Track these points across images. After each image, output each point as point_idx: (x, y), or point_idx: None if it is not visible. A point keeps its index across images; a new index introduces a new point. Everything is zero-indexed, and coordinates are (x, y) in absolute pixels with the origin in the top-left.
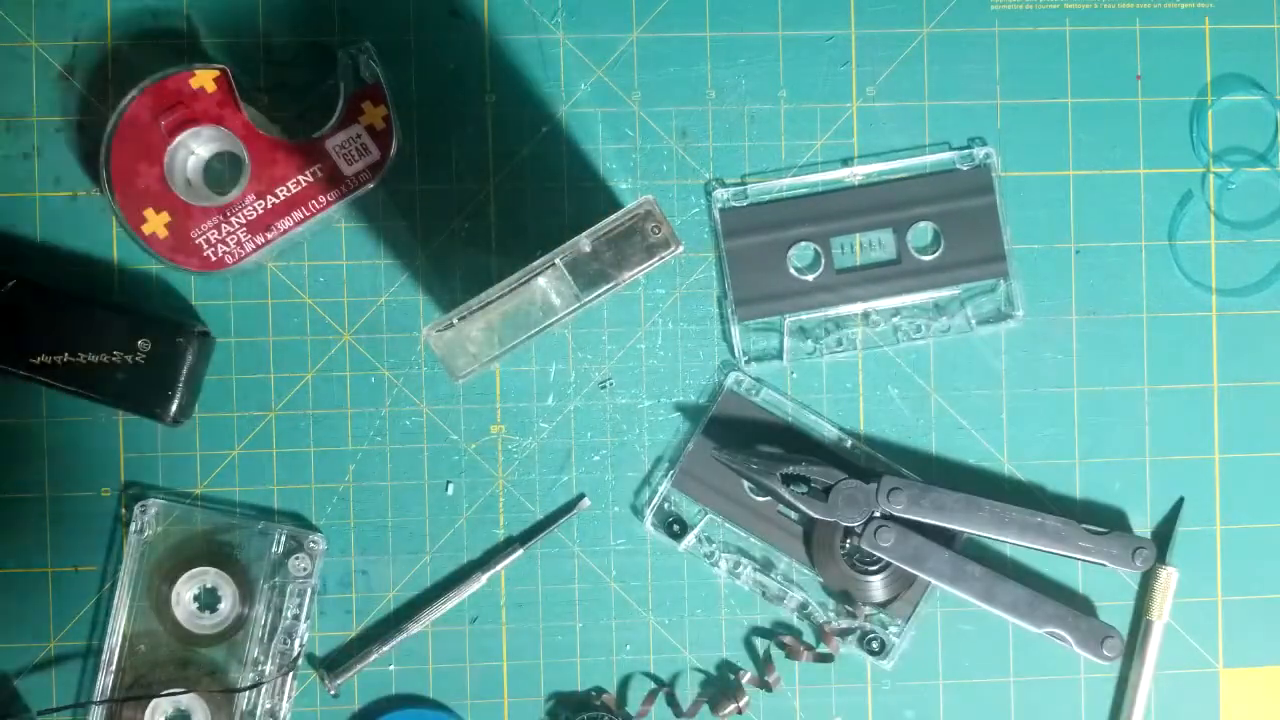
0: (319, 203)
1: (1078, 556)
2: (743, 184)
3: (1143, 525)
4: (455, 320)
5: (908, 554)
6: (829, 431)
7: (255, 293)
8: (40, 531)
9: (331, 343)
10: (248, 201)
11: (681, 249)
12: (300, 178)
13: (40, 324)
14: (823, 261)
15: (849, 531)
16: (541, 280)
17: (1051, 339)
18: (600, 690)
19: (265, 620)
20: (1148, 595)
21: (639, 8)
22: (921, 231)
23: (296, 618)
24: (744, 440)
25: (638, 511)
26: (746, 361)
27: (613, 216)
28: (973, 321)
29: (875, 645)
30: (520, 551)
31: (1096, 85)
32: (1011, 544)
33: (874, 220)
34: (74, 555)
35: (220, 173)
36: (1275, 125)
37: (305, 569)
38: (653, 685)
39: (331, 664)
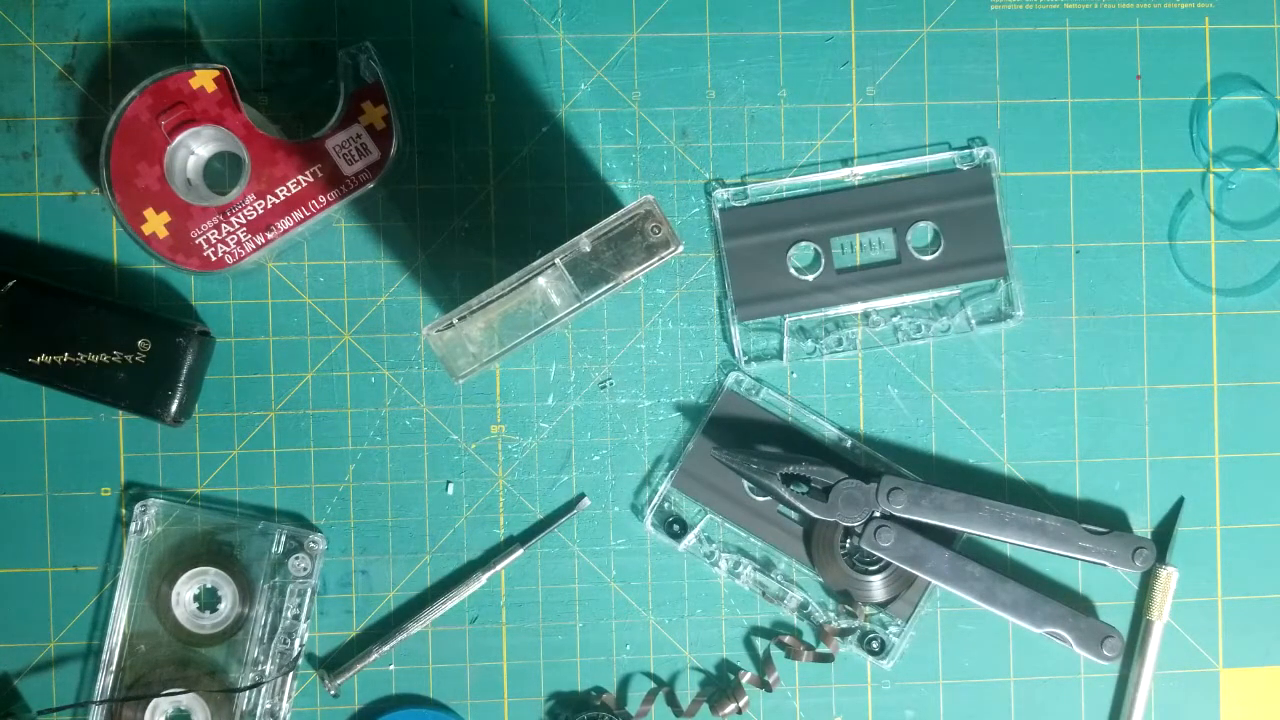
0: (319, 203)
1: (1078, 556)
2: (743, 184)
3: (1143, 525)
4: (455, 320)
5: (908, 554)
6: (829, 431)
7: (255, 293)
8: (40, 531)
9: (331, 343)
10: (248, 201)
11: (681, 249)
12: (300, 178)
13: (40, 324)
14: (823, 261)
15: (849, 531)
16: (541, 280)
17: (1051, 339)
18: (600, 690)
19: (265, 620)
20: (1148, 595)
21: (639, 8)
22: (921, 231)
23: (296, 618)
24: (744, 440)
25: (638, 511)
26: (746, 361)
27: (613, 216)
28: (973, 321)
29: (875, 645)
30: (520, 551)
31: (1096, 85)
32: (1011, 544)
33: (874, 220)
34: (74, 555)
35: (220, 173)
36: (1275, 125)
37: (305, 569)
38: (653, 685)
39: (331, 664)
